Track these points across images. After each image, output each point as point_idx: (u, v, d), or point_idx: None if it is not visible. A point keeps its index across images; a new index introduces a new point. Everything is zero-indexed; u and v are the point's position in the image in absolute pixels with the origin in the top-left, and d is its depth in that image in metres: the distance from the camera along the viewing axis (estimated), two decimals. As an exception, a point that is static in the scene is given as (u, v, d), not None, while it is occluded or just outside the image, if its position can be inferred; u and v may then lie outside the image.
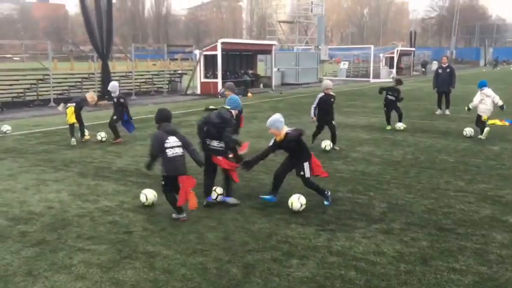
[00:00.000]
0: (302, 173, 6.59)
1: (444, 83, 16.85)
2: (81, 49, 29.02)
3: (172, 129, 6.33)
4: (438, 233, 5.65)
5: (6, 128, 12.92)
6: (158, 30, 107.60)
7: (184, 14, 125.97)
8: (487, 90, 11.97)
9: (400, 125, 13.29)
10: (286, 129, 6.56)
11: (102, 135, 11.58)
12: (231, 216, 6.26)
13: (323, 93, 10.44)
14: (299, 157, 6.62)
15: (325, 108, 10.45)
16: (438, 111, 16.99)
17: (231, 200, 6.78)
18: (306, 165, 6.57)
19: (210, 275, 4.62)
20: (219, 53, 25.09)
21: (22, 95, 21.44)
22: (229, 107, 7.11)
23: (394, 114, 13.39)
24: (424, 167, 8.94)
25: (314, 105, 10.48)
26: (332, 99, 10.50)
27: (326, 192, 6.77)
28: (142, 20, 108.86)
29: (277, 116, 6.58)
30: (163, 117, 6.37)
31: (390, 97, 13.11)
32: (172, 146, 6.14)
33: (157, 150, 6.15)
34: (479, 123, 12.07)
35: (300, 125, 14.10)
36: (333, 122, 10.56)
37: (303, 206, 6.36)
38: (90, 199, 7.01)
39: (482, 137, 11.81)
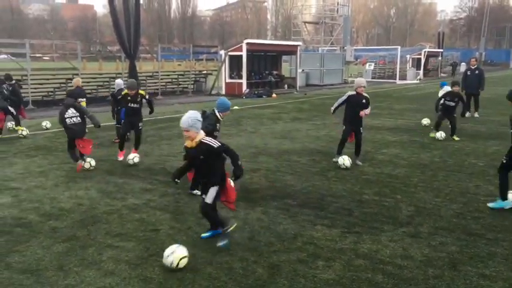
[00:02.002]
0: (204, 196, 5.29)
1: (473, 85, 16.56)
2: (108, 49, 29.51)
3: (70, 103, 8.51)
4: (467, 238, 5.55)
5: (46, 123, 13.63)
6: (184, 31, 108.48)
7: (209, 14, 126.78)
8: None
9: (439, 135, 11.81)
10: (202, 134, 5.14)
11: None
12: (256, 216, 6.28)
13: (354, 92, 9.03)
14: (208, 177, 5.22)
15: (355, 111, 8.96)
16: (467, 114, 16.67)
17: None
18: (213, 190, 5.19)
19: (236, 274, 4.65)
20: (244, 53, 25.16)
21: (52, 93, 21.95)
22: (216, 110, 6.91)
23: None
24: (452, 171, 8.78)
25: (339, 102, 9.15)
26: (364, 101, 9.03)
27: (225, 228, 5.31)
28: (168, 21, 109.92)
29: (194, 113, 5.06)
30: (68, 94, 9.14)
31: (449, 103, 11.91)
32: (71, 116, 8.39)
33: (61, 120, 8.41)
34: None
35: (324, 126, 14.14)
36: (361, 129, 9.22)
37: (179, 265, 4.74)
38: (118, 197, 7.13)
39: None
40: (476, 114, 16.39)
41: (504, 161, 6.68)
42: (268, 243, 5.40)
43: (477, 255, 5.10)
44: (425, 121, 14.30)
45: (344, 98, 9.11)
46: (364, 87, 9.09)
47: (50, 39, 59.14)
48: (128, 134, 10.64)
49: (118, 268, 4.76)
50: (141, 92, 9.54)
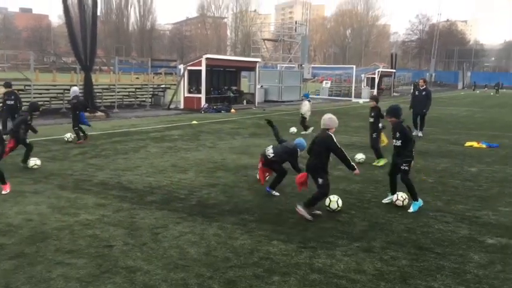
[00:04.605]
0: None
1: (420, 105, 17.06)
2: (63, 60, 28.79)
3: None
4: (417, 252, 5.74)
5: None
6: (142, 44, 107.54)
7: (168, 28, 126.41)
8: (307, 102, 17.19)
9: (360, 157, 11.28)
10: None
11: (67, 135, 13.23)
12: (213, 231, 6.25)
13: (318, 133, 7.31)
14: None
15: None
16: (414, 132, 17.24)
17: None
18: None
19: (192, 290, 4.60)
20: (203, 68, 25.18)
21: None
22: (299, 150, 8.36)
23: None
24: (403, 187, 9.02)
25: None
26: None
27: None
28: (126, 34, 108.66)
29: None
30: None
31: (370, 118, 11.18)
32: None
33: None
34: (304, 123, 16.69)
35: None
36: None
37: None
38: (70, 212, 6.91)
39: (306, 132, 15.99)
40: (420, 134, 16.73)
41: (407, 168, 7.41)
42: (225, 259, 5.38)
43: (426, 268, 5.27)
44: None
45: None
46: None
47: (2, 49, 57.04)
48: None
49: (68, 286, 4.60)
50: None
